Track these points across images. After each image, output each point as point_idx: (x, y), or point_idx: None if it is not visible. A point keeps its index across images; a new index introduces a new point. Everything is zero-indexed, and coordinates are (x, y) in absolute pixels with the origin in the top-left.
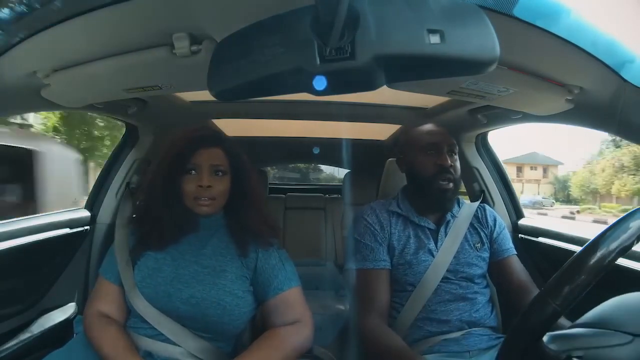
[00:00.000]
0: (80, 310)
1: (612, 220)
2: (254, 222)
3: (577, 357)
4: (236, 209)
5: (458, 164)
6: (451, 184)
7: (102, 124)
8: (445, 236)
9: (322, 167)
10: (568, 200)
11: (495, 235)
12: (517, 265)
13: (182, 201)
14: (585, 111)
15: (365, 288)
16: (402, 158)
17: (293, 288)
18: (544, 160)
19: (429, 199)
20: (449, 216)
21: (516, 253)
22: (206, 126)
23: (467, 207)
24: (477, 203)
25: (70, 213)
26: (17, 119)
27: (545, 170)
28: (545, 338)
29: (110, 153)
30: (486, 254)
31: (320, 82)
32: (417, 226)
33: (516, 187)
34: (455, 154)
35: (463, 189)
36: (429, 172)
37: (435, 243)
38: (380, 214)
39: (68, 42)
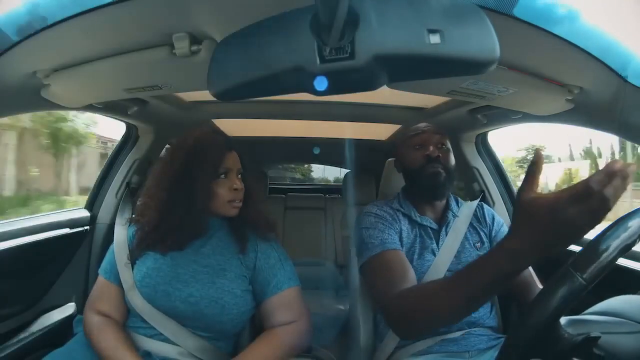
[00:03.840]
0: (80, 310)
1: None
2: (252, 215)
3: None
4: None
5: (450, 156)
6: (440, 169)
7: None
8: (446, 235)
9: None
10: None
11: (494, 233)
12: None
13: (198, 205)
14: (585, 111)
15: (387, 270)
16: (397, 158)
17: (292, 287)
18: None
19: (423, 189)
20: (450, 215)
21: None
22: (218, 129)
23: (466, 206)
24: (476, 202)
25: (70, 213)
26: None
27: None
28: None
29: None
30: None
31: (320, 82)
32: (420, 226)
33: None
34: (444, 146)
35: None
36: (418, 164)
37: (437, 243)
38: (386, 210)
39: (68, 42)
